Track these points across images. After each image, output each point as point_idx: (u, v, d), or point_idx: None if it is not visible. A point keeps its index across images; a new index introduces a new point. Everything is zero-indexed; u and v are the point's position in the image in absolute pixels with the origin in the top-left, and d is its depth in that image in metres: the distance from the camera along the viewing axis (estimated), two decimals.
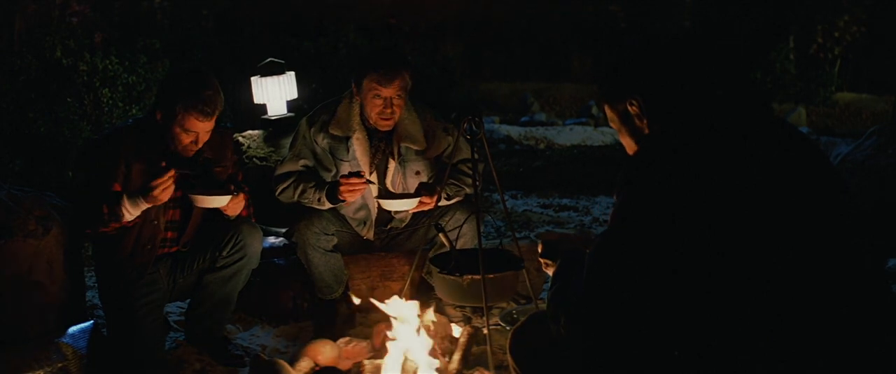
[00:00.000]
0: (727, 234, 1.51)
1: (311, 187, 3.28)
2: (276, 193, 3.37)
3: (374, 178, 3.34)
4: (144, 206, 2.78)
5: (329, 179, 3.35)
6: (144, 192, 2.74)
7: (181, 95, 2.79)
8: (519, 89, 15.42)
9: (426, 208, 3.26)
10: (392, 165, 3.36)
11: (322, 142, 3.34)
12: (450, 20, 16.93)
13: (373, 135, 3.35)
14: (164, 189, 2.73)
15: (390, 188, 3.38)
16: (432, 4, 16.25)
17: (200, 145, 2.92)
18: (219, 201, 2.91)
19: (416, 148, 3.36)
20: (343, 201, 3.23)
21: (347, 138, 3.32)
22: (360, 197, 3.30)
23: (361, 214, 3.40)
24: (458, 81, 11.39)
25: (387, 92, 3.20)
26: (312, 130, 3.35)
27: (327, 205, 3.29)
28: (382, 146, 3.37)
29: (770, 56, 14.02)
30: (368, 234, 3.46)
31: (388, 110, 3.23)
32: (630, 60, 1.76)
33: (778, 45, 14.18)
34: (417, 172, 3.38)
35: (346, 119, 3.32)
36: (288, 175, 3.36)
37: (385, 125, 3.30)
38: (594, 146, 9.71)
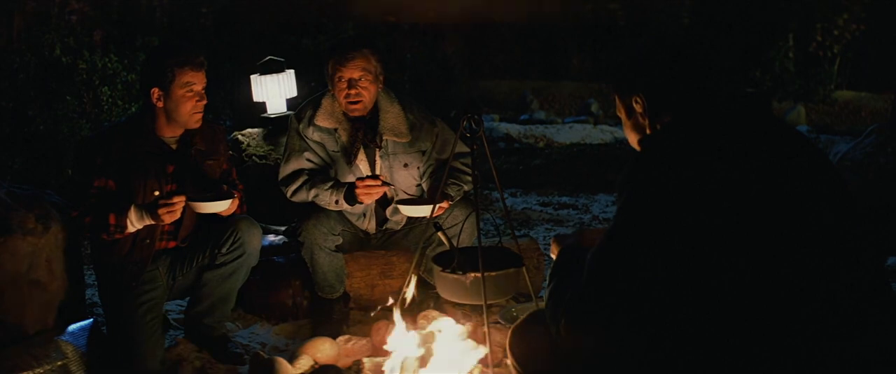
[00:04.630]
0: (727, 234, 1.51)
1: (326, 190, 3.28)
2: (288, 195, 3.37)
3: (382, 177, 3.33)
4: (148, 222, 2.86)
5: (332, 176, 3.35)
6: (152, 211, 2.82)
7: (167, 60, 2.89)
8: (518, 87, 15.38)
9: (441, 212, 3.26)
10: (377, 156, 3.36)
11: (313, 135, 3.34)
12: (449, 18, 16.89)
13: (356, 127, 3.35)
14: (171, 213, 2.82)
15: None
16: (432, 2, 16.23)
17: (205, 102, 2.97)
18: (219, 207, 2.95)
19: (400, 141, 3.36)
20: (361, 203, 3.23)
21: (335, 130, 3.33)
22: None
23: (361, 206, 3.39)
24: (457, 79, 11.36)
25: (348, 72, 3.21)
26: (301, 125, 3.35)
27: (344, 207, 3.29)
28: (365, 137, 3.35)
29: (769, 54, 14.00)
30: (369, 225, 3.45)
31: (354, 91, 3.22)
32: (636, 58, 1.79)
33: (777, 44, 14.16)
34: (405, 165, 3.38)
35: (332, 111, 3.33)
36: (296, 174, 3.36)
37: (354, 110, 3.27)
38: (593, 144, 9.69)
